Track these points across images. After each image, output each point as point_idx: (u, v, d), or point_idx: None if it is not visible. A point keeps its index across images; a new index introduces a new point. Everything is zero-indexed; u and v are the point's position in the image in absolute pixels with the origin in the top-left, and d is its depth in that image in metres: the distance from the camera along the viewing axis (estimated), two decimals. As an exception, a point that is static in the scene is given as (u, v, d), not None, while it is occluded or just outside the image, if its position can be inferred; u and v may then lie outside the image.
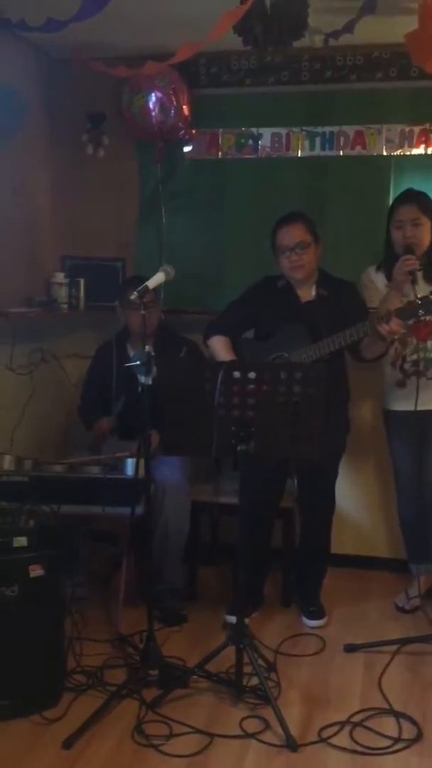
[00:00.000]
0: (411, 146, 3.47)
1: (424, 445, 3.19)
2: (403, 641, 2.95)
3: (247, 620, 2.82)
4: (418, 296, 2.75)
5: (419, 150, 3.46)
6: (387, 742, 2.40)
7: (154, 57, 3.05)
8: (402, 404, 3.13)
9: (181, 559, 3.24)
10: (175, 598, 3.23)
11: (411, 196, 3.03)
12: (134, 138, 3.69)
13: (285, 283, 3.09)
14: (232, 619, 2.89)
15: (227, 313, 3.21)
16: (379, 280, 3.11)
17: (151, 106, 3.43)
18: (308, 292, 3.07)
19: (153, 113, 3.45)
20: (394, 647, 2.93)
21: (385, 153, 3.50)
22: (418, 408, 2.95)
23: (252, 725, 2.48)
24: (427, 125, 3.44)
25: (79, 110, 3.75)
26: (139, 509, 2.84)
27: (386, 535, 3.73)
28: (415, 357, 3.07)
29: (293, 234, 2.97)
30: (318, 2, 2.69)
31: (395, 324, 2.73)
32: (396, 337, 2.82)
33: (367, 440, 3.61)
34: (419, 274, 2.98)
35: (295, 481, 3.29)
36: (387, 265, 3.05)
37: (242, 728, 2.47)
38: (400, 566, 3.54)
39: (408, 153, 3.48)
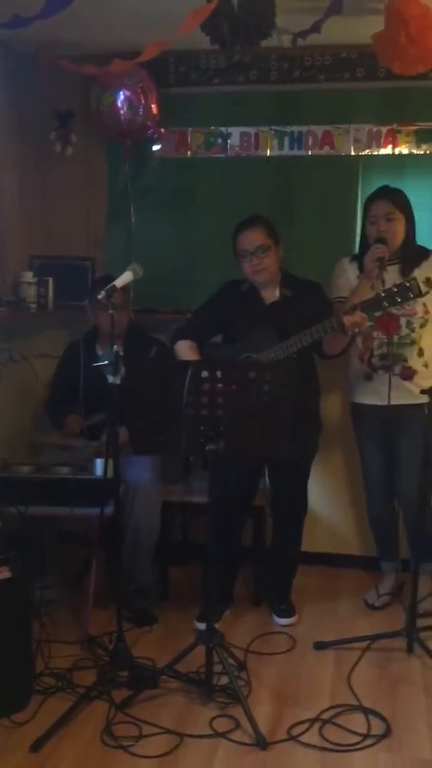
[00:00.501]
0: (378, 146, 3.49)
1: (393, 441, 3.20)
2: (373, 638, 2.97)
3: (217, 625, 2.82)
4: (383, 288, 2.77)
5: (387, 150, 3.49)
6: (356, 739, 2.41)
7: (121, 55, 3.03)
8: (368, 398, 3.15)
9: (152, 558, 3.24)
10: (145, 599, 3.22)
11: (385, 193, 3.06)
12: (103, 136, 3.67)
13: (249, 286, 3.10)
14: (202, 626, 2.89)
15: (193, 319, 3.22)
16: (351, 270, 3.13)
17: (119, 104, 3.41)
18: (272, 294, 3.08)
19: (121, 111, 3.43)
20: (364, 644, 2.95)
21: (353, 153, 3.52)
22: (385, 403, 2.95)
23: (222, 724, 2.48)
24: (395, 125, 3.47)
25: (47, 108, 3.72)
26: (109, 510, 2.82)
27: (357, 532, 3.75)
28: (382, 351, 3.08)
29: (253, 238, 2.99)
30: (285, 2, 2.68)
31: (358, 316, 2.74)
32: (357, 330, 2.83)
33: (337, 437, 3.62)
34: (395, 269, 3.02)
35: (267, 481, 3.30)
36: (361, 257, 3.08)
37: (212, 727, 2.46)
38: (371, 563, 3.56)
39: (376, 153, 3.50)
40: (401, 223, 3.02)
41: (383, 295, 2.72)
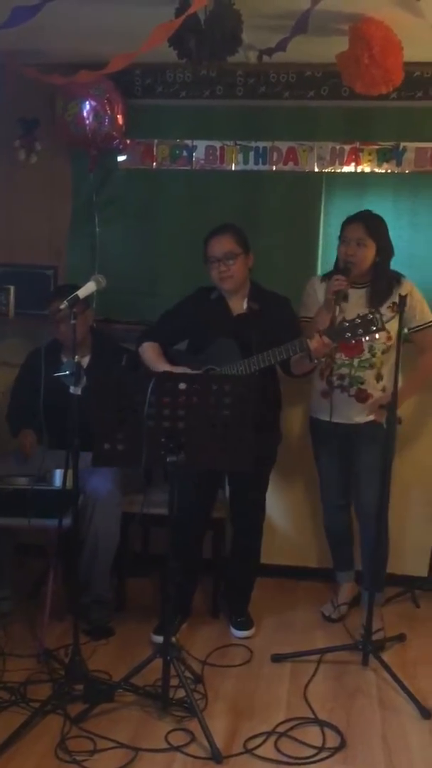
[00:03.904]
0: (341, 164, 3.54)
1: (352, 458, 3.25)
2: (328, 650, 2.99)
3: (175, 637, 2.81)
4: (347, 318, 2.81)
5: (349, 168, 3.54)
6: (311, 752, 2.43)
7: (88, 65, 3.03)
8: (324, 414, 3.18)
9: (110, 570, 3.21)
10: (102, 611, 3.20)
11: (362, 217, 3.05)
12: (68, 145, 3.66)
13: (217, 295, 3.12)
14: (159, 639, 2.87)
15: (160, 324, 3.23)
16: (320, 290, 3.14)
17: (85, 114, 3.41)
18: (240, 305, 3.10)
19: (87, 121, 3.42)
20: (320, 656, 2.96)
21: (316, 169, 3.56)
22: (340, 421, 3.09)
23: (178, 738, 2.47)
24: (357, 144, 3.52)
25: (12, 115, 3.69)
26: (67, 521, 2.79)
27: (314, 544, 3.77)
28: (341, 372, 3.13)
29: (222, 244, 3.02)
30: (252, 19, 2.72)
31: (323, 342, 2.77)
32: (323, 358, 2.88)
33: (297, 450, 3.65)
34: (362, 294, 3.06)
35: (227, 492, 3.31)
36: (331, 277, 3.09)
37: (168, 741, 2.46)
38: (328, 575, 3.59)
39: (339, 170, 3.55)
40: (371, 251, 3.02)
41: (347, 325, 2.77)
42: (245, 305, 3.09)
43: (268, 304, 3.10)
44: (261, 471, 3.18)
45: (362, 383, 3.12)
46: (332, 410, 3.05)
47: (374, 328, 2.74)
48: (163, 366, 3.02)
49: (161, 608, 3.18)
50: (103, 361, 3.29)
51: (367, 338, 2.78)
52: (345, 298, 2.98)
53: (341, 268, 3.05)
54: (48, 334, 3.32)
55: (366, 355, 3.10)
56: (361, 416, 3.14)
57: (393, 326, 3.01)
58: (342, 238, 3.08)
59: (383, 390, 3.11)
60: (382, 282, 3.08)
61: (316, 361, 2.87)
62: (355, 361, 3.10)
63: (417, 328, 3.14)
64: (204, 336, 3.10)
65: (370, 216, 3.08)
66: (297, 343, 2.83)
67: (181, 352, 3.22)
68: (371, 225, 3.04)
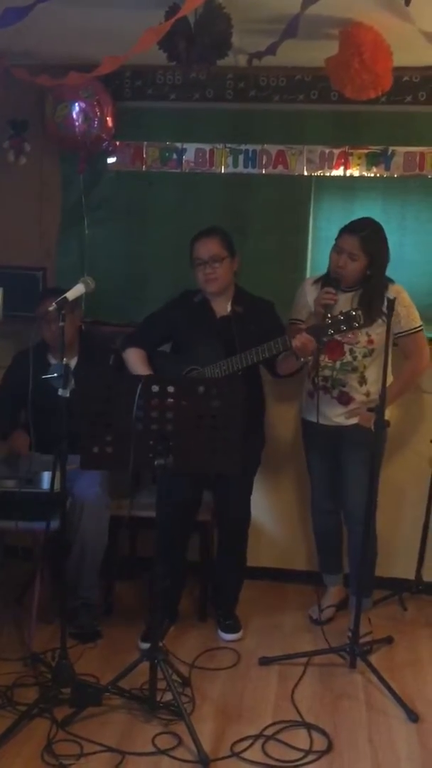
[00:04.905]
0: (331, 167, 3.55)
1: (339, 459, 3.25)
2: (316, 653, 3.00)
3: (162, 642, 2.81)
4: (329, 315, 2.83)
5: (338, 171, 3.55)
6: (298, 755, 2.43)
7: (78, 67, 3.02)
8: (311, 415, 3.19)
9: (98, 573, 3.20)
10: (90, 614, 3.18)
11: (359, 229, 2.99)
12: (57, 147, 3.65)
13: (202, 297, 3.13)
14: (146, 646, 2.86)
15: (144, 326, 3.24)
16: (311, 293, 3.15)
17: (74, 116, 3.41)
18: (224, 308, 3.11)
19: (76, 123, 3.42)
20: (307, 659, 2.97)
21: (306, 173, 3.57)
22: (325, 423, 3.10)
23: (165, 741, 2.47)
24: (347, 147, 3.53)
25: (1, 116, 3.68)
26: (55, 524, 2.78)
27: (303, 547, 3.77)
28: (325, 373, 3.14)
29: (208, 247, 3.03)
30: (242, 23, 2.73)
31: (305, 338, 2.78)
32: (309, 356, 2.88)
33: (286, 452, 3.65)
34: (349, 297, 3.05)
35: (213, 495, 3.31)
36: (324, 281, 3.10)
37: (155, 745, 2.45)
38: (317, 578, 3.59)
39: (328, 174, 3.56)
40: (361, 264, 2.99)
41: (329, 322, 2.79)
42: (229, 308, 3.10)
43: (252, 307, 3.11)
44: (245, 475, 3.17)
45: (344, 386, 3.13)
46: (317, 411, 3.04)
47: (356, 324, 2.77)
48: (143, 371, 3.04)
49: (148, 612, 3.17)
50: (90, 363, 3.29)
51: (350, 335, 2.79)
52: (331, 312, 2.94)
53: (332, 278, 3.05)
54: (35, 335, 3.31)
55: (347, 358, 3.10)
56: (341, 418, 3.15)
57: (375, 330, 3.02)
58: (335, 245, 3.06)
59: (367, 394, 3.11)
60: (377, 294, 2.99)
61: (302, 359, 2.88)
62: (337, 364, 3.11)
63: (402, 334, 3.14)
64: (188, 338, 3.12)
65: (369, 228, 3.01)
66: (279, 341, 2.85)
67: (166, 353, 3.23)
68: (367, 240, 2.98)
